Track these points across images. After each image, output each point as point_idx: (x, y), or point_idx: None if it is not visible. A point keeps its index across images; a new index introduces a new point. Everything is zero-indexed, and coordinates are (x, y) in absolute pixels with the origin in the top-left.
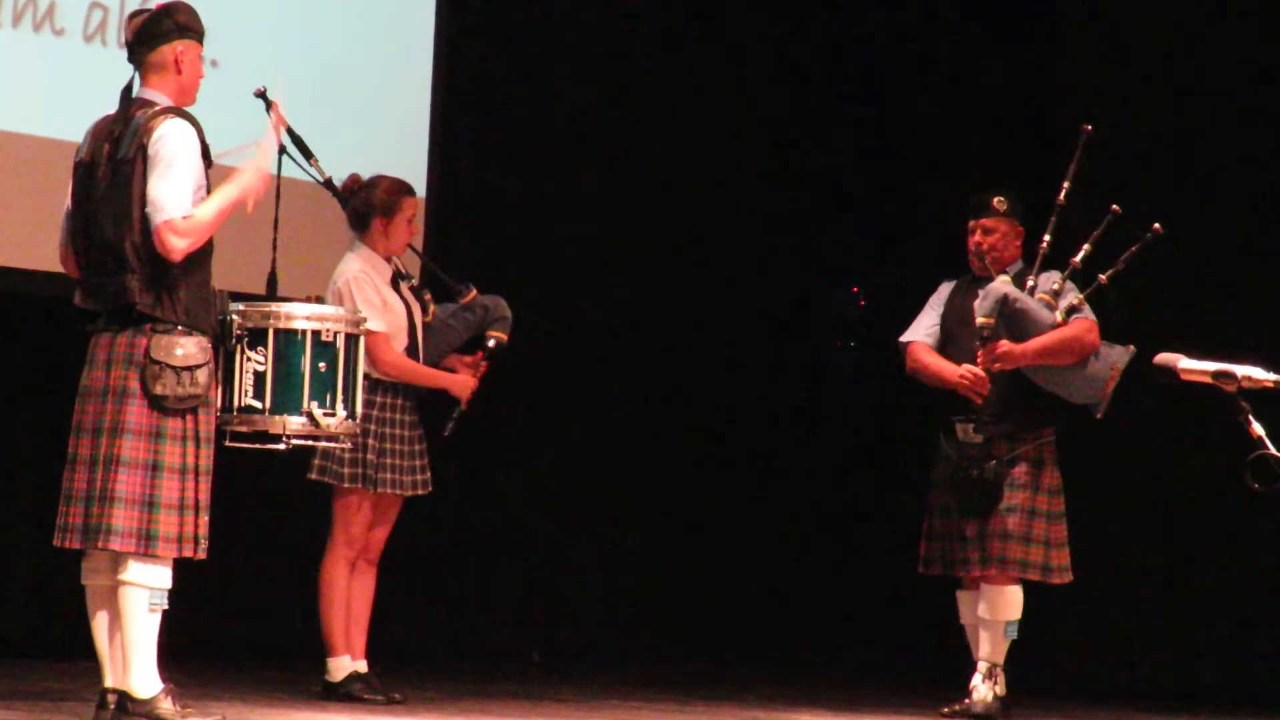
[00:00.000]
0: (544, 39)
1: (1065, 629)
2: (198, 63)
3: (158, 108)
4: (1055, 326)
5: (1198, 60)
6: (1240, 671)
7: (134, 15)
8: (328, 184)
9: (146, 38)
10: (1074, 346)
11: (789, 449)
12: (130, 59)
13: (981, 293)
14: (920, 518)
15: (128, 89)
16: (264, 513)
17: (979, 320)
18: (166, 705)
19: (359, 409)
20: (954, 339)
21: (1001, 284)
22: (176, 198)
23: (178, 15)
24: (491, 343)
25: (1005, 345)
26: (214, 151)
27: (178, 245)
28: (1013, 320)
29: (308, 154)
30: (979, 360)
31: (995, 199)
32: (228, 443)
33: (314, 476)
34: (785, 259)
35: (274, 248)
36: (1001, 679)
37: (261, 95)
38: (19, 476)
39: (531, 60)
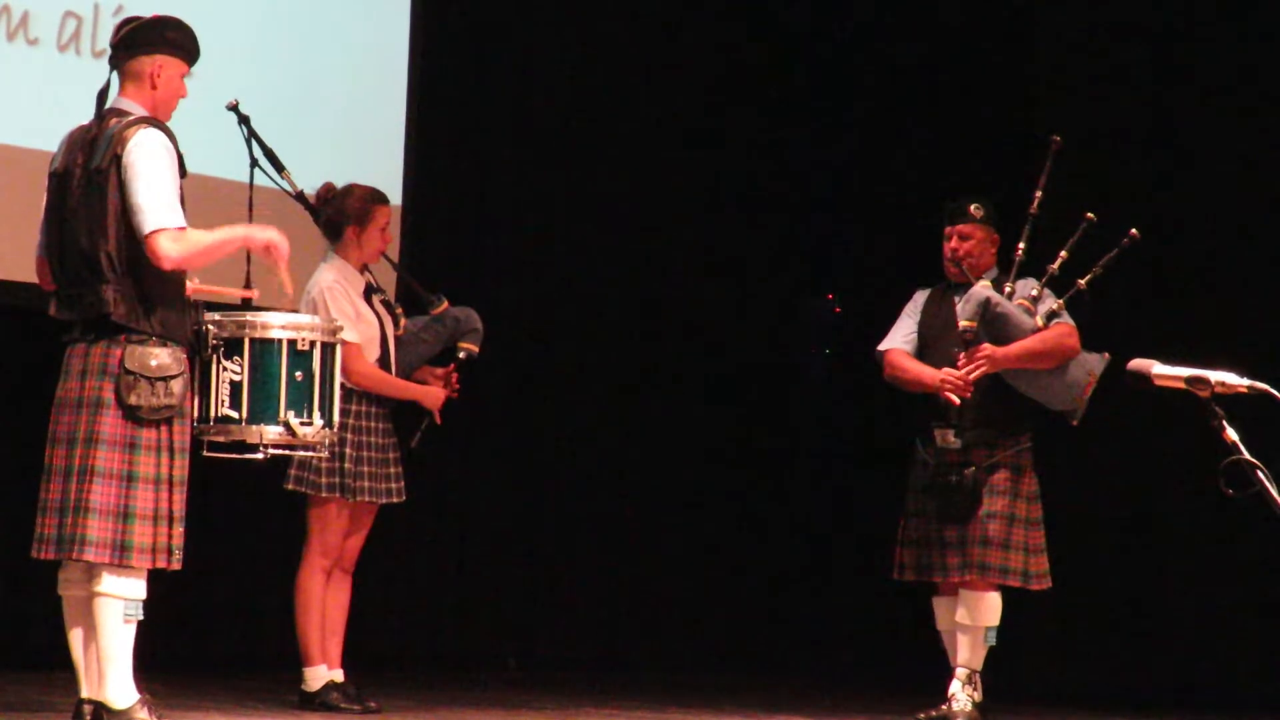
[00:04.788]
0: (519, 47)
1: (1041, 634)
2: (176, 80)
3: (132, 118)
4: (1036, 332)
5: (1170, 67)
6: (1216, 676)
7: (125, 21)
8: (299, 197)
9: (128, 44)
10: (1055, 351)
11: (765, 455)
12: (110, 63)
13: (963, 297)
14: (895, 524)
15: (103, 95)
16: (239, 522)
17: (962, 324)
18: (142, 715)
19: (336, 418)
20: (931, 346)
21: (983, 288)
22: (165, 204)
23: (167, 30)
24: (462, 354)
25: (988, 349)
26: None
27: (171, 252)
28: (994, 325)
29: (279, 167)
30: (960, 364)
31: (971, 206)
32: (205, 453)
33: (290, 486)
34: (761, 266)
35: (248, 259)
36: (979, 685)
37: (234, 108)
38: None
39: (507, 69)
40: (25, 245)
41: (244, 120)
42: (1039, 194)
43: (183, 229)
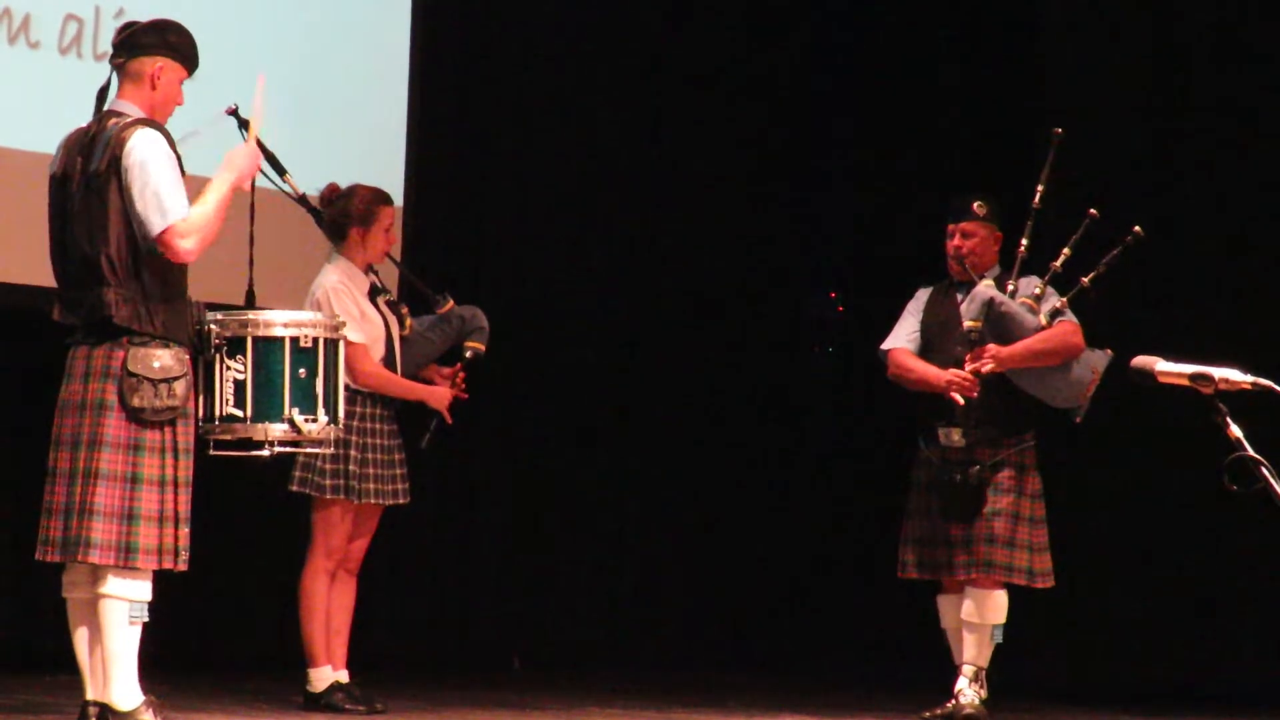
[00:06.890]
0: (520, 47)
1: (1044, 632)
2: (175, 85)
3: (129, 119)
4: (1040, 330)
5: (1172, 64)
6: (1219, 675)
7: (126, 24)
8: (301, 200)
9: (129, 46)
10: (1060, 349)
11: (767, 455)
12: (111, 63)
13: (967, 296)
14: (898, 522)
15: (103, 95)
16: (244, 524)
17: (966, 323)
18: (148, 717)
19: (340, 414)
20: (934, 344)
21: (986, 287)
22: (171, 201)
23: (167, 33)
24: (469, 354)
25: (994, 348)
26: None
27: (188, 246)
28: (998, 323)
29: (280, 170)
30: (966, 363)
31: (975, 203)
32: (211, 452)
33: (295, 488)
34: (763, 265)
35: (250, 263)
36: (985, 683)
37: (233, 113)
38: None
39: (508, 68)
40: (26, 248)
41: (244, 125)
42: (1041, 188)
43: (185, 219)
